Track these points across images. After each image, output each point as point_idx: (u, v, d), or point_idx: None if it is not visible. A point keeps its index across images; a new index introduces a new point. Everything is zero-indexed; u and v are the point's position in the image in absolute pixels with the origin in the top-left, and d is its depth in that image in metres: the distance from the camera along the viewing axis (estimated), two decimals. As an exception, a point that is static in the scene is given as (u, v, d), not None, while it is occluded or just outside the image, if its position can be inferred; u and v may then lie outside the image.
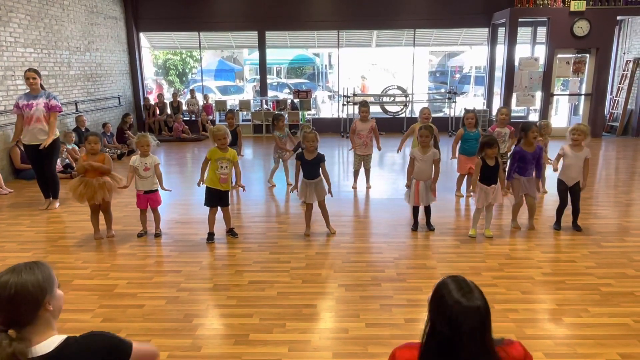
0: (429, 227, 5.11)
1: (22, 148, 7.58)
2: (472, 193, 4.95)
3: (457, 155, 6.28)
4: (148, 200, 4.96)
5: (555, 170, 5.08)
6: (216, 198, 4.82)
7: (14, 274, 1.40)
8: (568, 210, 5.05)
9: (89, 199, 4.78)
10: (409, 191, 5.07)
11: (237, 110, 12.54)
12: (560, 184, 4.98)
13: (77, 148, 8.40)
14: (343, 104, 12.25)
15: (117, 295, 3.72)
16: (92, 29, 10.33)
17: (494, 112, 12.34)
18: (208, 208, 4.88)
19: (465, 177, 6.34)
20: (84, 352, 1.42)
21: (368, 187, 6.87)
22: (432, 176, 4.99)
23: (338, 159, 9.58)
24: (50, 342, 1.40)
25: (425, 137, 4.89)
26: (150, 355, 1.63)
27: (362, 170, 6.87)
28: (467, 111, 6.35)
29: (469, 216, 5.60)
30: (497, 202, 4.82)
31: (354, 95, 12.02)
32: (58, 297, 1.48)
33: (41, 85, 5.93)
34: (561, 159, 4.95)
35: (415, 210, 5.14)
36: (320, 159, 4.85)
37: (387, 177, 7.76)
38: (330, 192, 4.96)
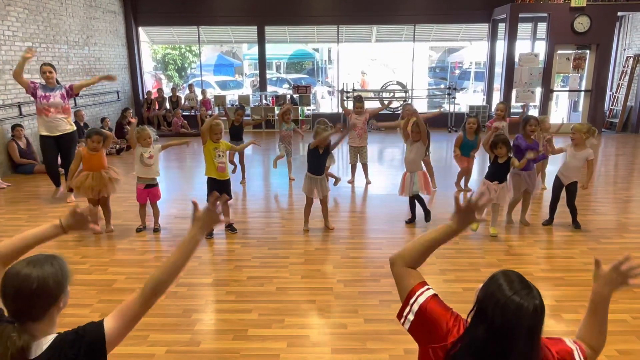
0: (426, 219, 5.16)
1: (18, 143, 7.59)
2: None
3: (457, 152, 6.29)
4: (148, 194, 4.97)
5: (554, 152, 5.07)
6: (217, 191, 4.81)
7: (36, 267, 1.35)
8: (566, 208, 5.05)
9: (98, 192, 4.81)
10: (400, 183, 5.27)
11: (237, 105, 12.53)
12: (556, 179, 5.01)
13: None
14: (343, 99, 12.20)
15: (116, 290, 3.72)
16: (91, 23, 10.28)
17: (494, 108, 12.38)
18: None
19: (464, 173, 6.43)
20: (67, 351, 1.35)
21: (368, 183, 6.86)
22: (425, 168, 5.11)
23: (337, 155, 9.55)
24: (45, 342, 1.34)
25: (417, 133, 5.02)
26: (130, 310, 1.44)
27: (359, 166, 6.87)
28: (469, 116, 6.36)
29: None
30: (501, 203, 4.79)
31: (354, 90, 11.99)
32: (68, 293, 1.44)
33: (56, 80, 6.05)
34: (562, 154, 4.97)
35: (411, 203, 5.22)
36: (329, 149, 4.94)
37: (386, 173, 7.75)
38: (334, 177, 5.02)
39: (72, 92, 6.09)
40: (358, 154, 6.75)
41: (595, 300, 1.53)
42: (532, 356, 1.30)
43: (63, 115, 6.04)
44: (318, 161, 4.88)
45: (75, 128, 6.32)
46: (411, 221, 5.20)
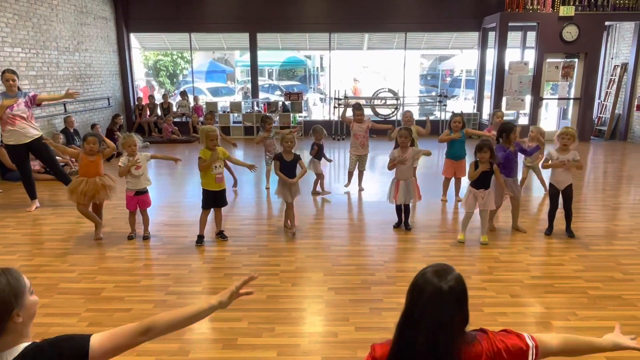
0: (406, 227, 5.19)
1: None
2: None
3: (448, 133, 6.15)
4: (138, 201, 4.92)
5: (544, 167, 5.08)
6: (212, 200, 4.82)
7: None
8: (561, 213, 5.07)
9: (90, 198, 4.76)
10: (390, 190, 5.22)
11: (228, 112, 12.53)
12: (551, 187, 5.01)
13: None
14: (334, 107, 12.25)
15: (104, 299, 3.67)
16: (82, 29, 10.24)
17: (485, 116, 12.50)
18: (200, 210, 4.86)
19: (451, 181, 6.32)
20: (44, 356, 1.33)
21: (360, 190, 6.88)
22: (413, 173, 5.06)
23: (336, 161, 9.54)
24: (15, 350, 1.32)
25: (405, 138, 5.02)
26: (120, 337, 1.45)
27: (356, 172, 6.89)
28: (454, 114, 6.39)
29: (457, 219, 5.61)
30: (488, 209, 4.77)
31: (346, 97, 12.04)
32: (30, 305, 1.38)
33: (18, 87, 5.93)
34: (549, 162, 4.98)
35: (398, 209, 5.26)
36: (297, 159, 4.99)
37: (379, 180, 7.76)
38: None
39: (34, 102, 5.94)
40: (358, 162, 6.79)
41: (607, 347, 1.66)
42: (442, 342, 1.35)
43: (31, 121, 5.92)
44: (286, 169, 4.96)
45: (41, 134, 6.10)
46: (398, 225, 5.27)
